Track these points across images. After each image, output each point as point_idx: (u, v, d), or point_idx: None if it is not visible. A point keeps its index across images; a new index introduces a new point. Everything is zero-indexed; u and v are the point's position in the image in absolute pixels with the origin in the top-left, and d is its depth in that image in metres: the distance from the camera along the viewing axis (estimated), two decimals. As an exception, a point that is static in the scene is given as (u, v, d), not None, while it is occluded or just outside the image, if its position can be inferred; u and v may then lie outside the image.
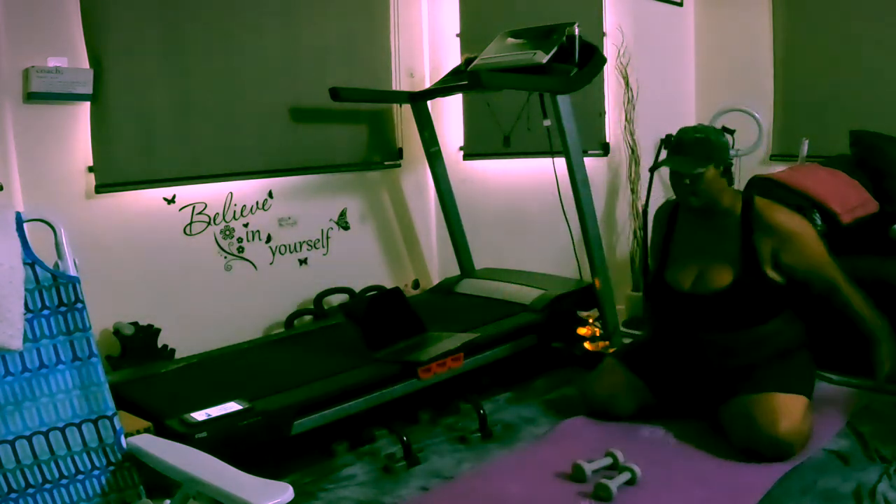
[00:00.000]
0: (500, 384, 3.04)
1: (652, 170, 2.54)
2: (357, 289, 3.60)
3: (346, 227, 3.69)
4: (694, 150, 2.43)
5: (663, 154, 3.94)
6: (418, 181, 3.97)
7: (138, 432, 1.91)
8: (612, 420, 2.58)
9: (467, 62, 3.40)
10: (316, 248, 3.56)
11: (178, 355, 2.95)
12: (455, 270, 3.83)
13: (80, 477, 1.53)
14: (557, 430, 2.58)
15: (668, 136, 3.90)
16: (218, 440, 2.07)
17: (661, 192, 4.01)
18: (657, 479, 2.18)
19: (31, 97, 2.60)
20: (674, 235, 2.64)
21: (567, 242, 3.50)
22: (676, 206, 2.67)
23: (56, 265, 1.59)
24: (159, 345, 2.94)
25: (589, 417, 2.62)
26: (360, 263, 3.73)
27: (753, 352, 2.44)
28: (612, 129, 3.92)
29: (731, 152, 3.76)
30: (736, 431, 2.33)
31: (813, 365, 2.53)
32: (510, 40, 3.25)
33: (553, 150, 3.28)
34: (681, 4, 4.17)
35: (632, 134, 3.89)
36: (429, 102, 3.65)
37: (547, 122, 3.24)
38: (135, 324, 2.86)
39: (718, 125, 3.85)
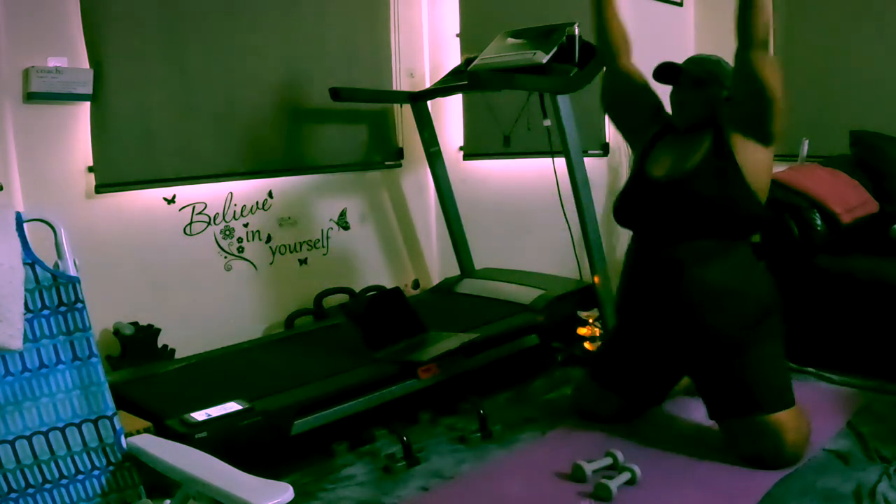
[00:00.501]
0: (500, 384, 3.04)
1: (657, 76, 2.47)
2: (357, 289, 3.60)
3: (346, 227, 3.69)
4: (705, 65, 2.43)
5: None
6: (418, 181, 3.97)
7: (138, 432, 1.91)
8: (603, 421, 2.58)
9: (467, 62, 3.40)
10: (316, 248, 3.56)
11: (178, 355, 2.95)
12: (455, 270, 3.83)
13: (80, 477, 1.53)
14: (557, 430, 2.58)
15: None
16: (218, 440, 2.07)
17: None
18: (657, 479, 2.19)
19: (31, 97, 2.60)
20: (657, 142, 2.54)
21: (567, 242, 3.50)
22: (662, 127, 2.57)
23: (56, 265, 1.59)
24: (159, 345, 2.94)
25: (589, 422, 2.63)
26: (360, 263, 3.73)
27: (723, 309, 2.31)
28: (612, 129, 3.92)
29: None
30: (740, 449, 2.30)
31: (783, 336, 2.43)
32: (510, 40, 3.25)
33: (553, 150, 3.28)
34: (681, 4, 4.17)
35: (632, 134, 3.89)
36: (429, 102, 3.65)
37: (547, 122, 3.24)
38: (135, 324, 2.86)
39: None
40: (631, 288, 2.54)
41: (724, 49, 4.12)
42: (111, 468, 1.56)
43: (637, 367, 2.54)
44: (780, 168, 3.40)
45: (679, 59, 4.24)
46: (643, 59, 3.89)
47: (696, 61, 2.47)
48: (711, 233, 2.35)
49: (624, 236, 4.02)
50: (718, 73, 2.42)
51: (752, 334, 2.34)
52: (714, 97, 2.41)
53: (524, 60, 3.04)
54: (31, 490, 1.47)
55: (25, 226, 1.57)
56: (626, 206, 2.55)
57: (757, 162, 2.35)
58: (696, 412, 2.56)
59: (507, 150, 3.68)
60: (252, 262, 3.32)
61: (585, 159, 3.26)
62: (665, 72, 2.48)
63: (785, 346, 2.43)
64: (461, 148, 4.01)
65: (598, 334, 3.22)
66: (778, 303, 2.45)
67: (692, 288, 2.34)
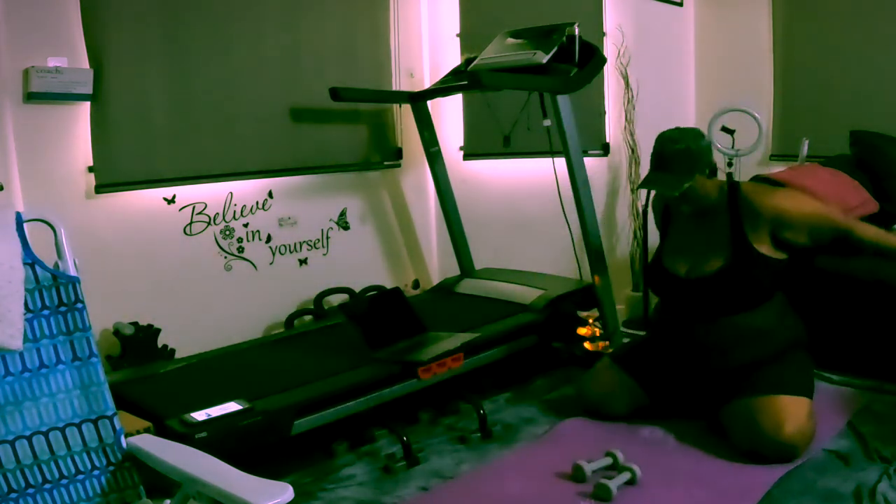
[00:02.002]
0: (500, 384, 3.04)
1: (639, 187, 2.55)
2: (357, 289, 3.60)
3: (346, 227, 3.69)
4: (675, 164, 2.41)
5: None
6: (418, 181, 3.97)
7: (138, 432, 1.91)
8: (606, 420, 2.58)
9: (467, 62, 3.40)
10: (316, 248, 3.56)
11: (178, 355, 2.95)
12: (455, 270, 3.83)
13: (80, 477, 1.53)
14: (557, 430, 2.58)
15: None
16: (218, 440, 2.07)
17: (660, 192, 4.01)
18: (657, 479, 2.18)
19: (31, 97, 2.60)
20: (669, 227, 2.67)
21: (567, 242, 3.50)
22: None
23: (56, 265, 1.59)
24: (159, 345, 2.94)
25: (586, 417, 2.62)
26: (360, 263, 3.73)
27: (751, 347, 2.43)
28: (612, 129, 3.92)
29: (731, 152, 3.79)
30: (739, 434, 2.32)
31: (812, 365, 2.53)
32: (510, 40, 3.25)
33: (553, 150, 3.28)
34: (681, 4, 4.17)
35: (632, 134, 3.89)
36: (429, 102, 3.65)
37: (547, 122, 3.24)
38: (135, 324, 2.86)
39: (718, 125, 3.86)
40: (657, 360, 2.60)
41: (724, 48, 4.13)
42: (111, 468, 1.56)
43: (663, 370, 2.57)
44: (780, 168, 3.41)
45: (679, 58, 4.26)
46: (643, 60, 3.91)
47: (667, 161, 2.43)
48: (743, 308, 2.44)
49: (624, 236, 4.03)
50: (692, 165, 2.41)
51: (775, 360, 2.41)
52: (698, 188, 2.43)
53: (524, 60, 3.04)
54: (31, 490, 1.48)
55: (25, 226, 1.57)
56: (657, 293, 2.68)
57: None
58: (697, 413, 2.56)
59: (507, 150, 3.68)
60: (252, 262, 3.32)
61: (585, 159, 3.26)
62: (646, 185, 2.51)
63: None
64: (461, 148, 4.00)
65: (598, 334, 3.22)
66: (804, 340, 2.53)
67: (715, 357, 2.45)
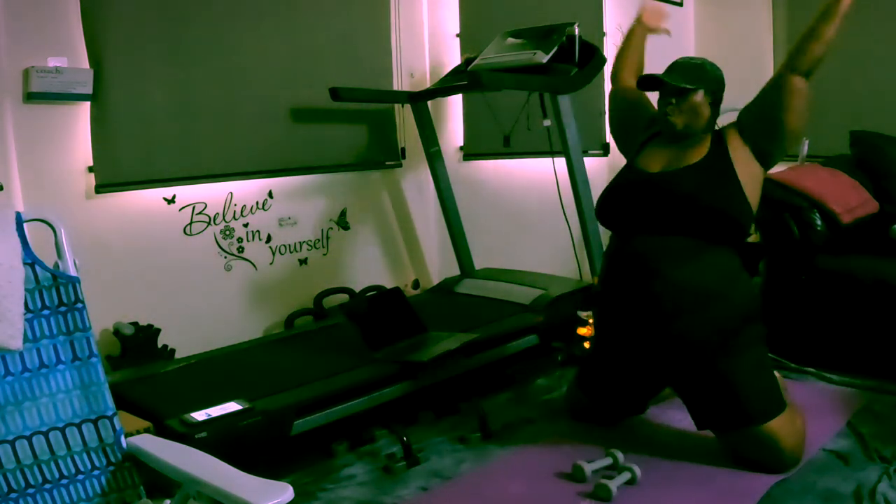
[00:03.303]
0: (500, 384, 3.04)
1: (639, 85, 2.49)
2: (357, 289, 3.60)
3: (346, 227, 3.69)
4: (686, 72, 2.38)
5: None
6: (418, 181, 3.97)
7: (138, 432, 1.91)
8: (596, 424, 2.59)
9: (467, 62, 3.40)
10: (316, 248, 3.56)
11: (178, 355, 2.95)
12: (455, 270, 3.83)
13: (80, 477, 1.53)
14: (557, 430, 2.58)
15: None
16: (218, 440, 2.07)
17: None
18: (657, 479, 2.19)
19: (31, 97, 2.60)
20: (646, 145, 2.53)
21: (567, 242, 3.50)
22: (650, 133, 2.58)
23: (56, 265, 1.59)
24: (159, 345, 2.94)
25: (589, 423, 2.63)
26: (360, 263, 3.73)
27: (703, 307, 2.25)
28: (612, 129, 3.92)
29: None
30: (741, 457, 2.27)
31: (767, 352, 2.39)
32: (510, 40, 3.25)
33: (553, 150, 3.28)
34: (681, 4, 4.18)
35: (632, 134, 3.89)
36: (429, 102, 3.65)
37: (547, 122, 3.24)
38: (135, 324, 2.86)
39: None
40: (605, 291, 2.48)
41: (724, 48, 4.14)
42: (111, 468, 1.56)
43: (617, 376, 2.50)
44: (780, 168, 3.41)
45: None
46: (644, 59, 3.90)
47: (679, 67, 2.41)
48: (694, 232, 2.28)
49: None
50: (701, 77, 2.37)
51: (731, 341, 2.26)
52: (697, 105, 2.35)
53: (524, 60, 3.04)
54: (31, 490, 1.47)
55: (25, 226, 1.57)
56: (610, 202, 2.47)
57: (752, 175, 2.35)
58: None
59: (507, 150, 3.68)
60: (252, 262, 3.32)
61: (585, 159, 3.26)
62: (648, 82, 2.46)
63: (769, 350, 2.40)
64: (461, 148, 4.01)
65: (597, 334, 3.22)
66: (759, 310, 2.37)
67: (664, 289, 2.26)
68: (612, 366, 2.50)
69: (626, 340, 2.42)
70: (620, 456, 2.24)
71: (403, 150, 3.85)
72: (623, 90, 2.74)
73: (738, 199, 2.30)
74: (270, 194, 3.36)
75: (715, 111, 2.41)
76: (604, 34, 3.83)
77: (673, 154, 2.43)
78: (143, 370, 2.65)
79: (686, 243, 2.29)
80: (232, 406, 2.23)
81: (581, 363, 2.76)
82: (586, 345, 3.22)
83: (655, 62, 4.02)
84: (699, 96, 2.35)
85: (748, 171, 2.34)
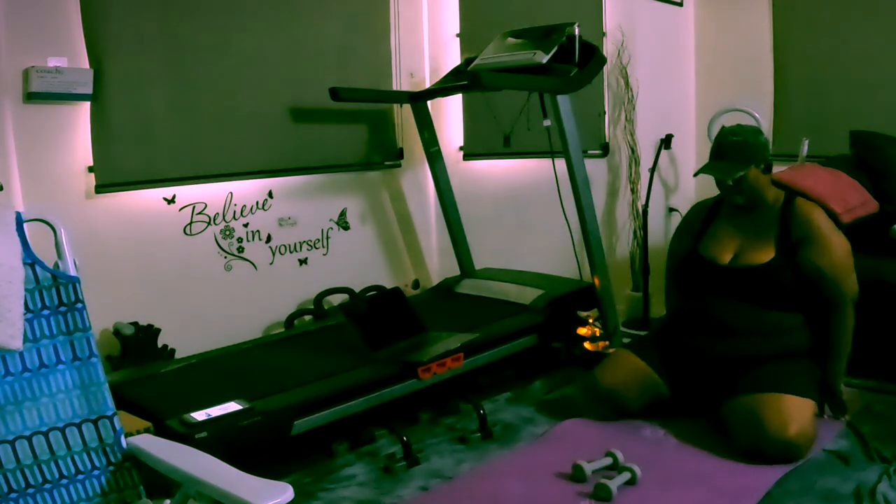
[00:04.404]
0: (500, 384, 3.04)
1: (697, 173, 2.67)
2: (357, 289, 3.60)
3: (346, 227, 3.68)
4: (733, 154, 2.50)
5: (663, 154, 3.95)
6: (418, 181, 3.97)
7: (138, 432, 1.91)
8: (616, 413, 2.58)
9: (467, 62, 3.40)
10: (316, 248, 3.56)
11: (178, 355, 2.95)
12: (455, 270, 3.83)
13: (80, 477, 1.53)
14: (557, 430, 2.58)
15: (668, 136, 3.90)
16: (218, 440, 2.07)
17: (660, 192, 4.02)
18: (657, 479, 2.19)
19: (31, 97, 2.60)
20: (713, 222, 2.69)
21: (567, 242, 3.50)
22: (716, 203, 2.74)
23: (56, 265, 1.59)
24: (159, 345, 2.94)
25: (589, 415, 2.62)
26: (360, 263, 3.73)
27: (766, 339, 2.47)
28: (612, 129, 3.92)
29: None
30: (740, 431, 2.32)
31: (818, 372, 2.53)
32: (510, 40, 3.25)
33: (553, 150, 3.28)
34: (681, 4, 4.18)
35: (632, 134, 3.89)
36: (429, 102, 3.65)
37: (547, 122, 3.24)
38: (135, 324, 2.86)
39: (718, 125, 3.86)
40: (673, 348, 2.64)
41: (724, 48, 4.13)
42: (111, 468, 1.56)
43: (677, 355, 2.59)
44: (780, 168, 3.41)
45: (679, 58, 4.26)
46: (644, 59, 3.91)
47: (726, 151, 2.52)
48: (773, 307, 2.49)
49: (624, 236, 4.03)
50: (747, 154, 2.49)
51: (782, 356, 2.46)
52: (753, 181, 2.51)
53: (524, 60, 3.04)
54: (31, 490, 1.48)
55: (25, 226, 1.57)
56: (683, 286, 2.71)
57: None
58: (700, 411, 2.56)
59: (507, 150, 3.67)
60: (252, 262, 3.32)
61: (585, 159, 3.26)
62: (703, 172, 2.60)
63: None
64: (461, 148, 4.00)
65: (598, 334, 3.22)
66: (808, 350, 2.54)
67: (727, 343, 2.50)
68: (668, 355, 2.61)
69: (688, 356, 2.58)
70: (620, 456, 2.24)
71: (402, 150, 3.85)
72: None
73: (804, 284, 2.48)
74: (270, 194, 3.36)
75: (769, 174, 2.58)
76: (604, 34, 3.83)
77: (740, 233, 2.58)
78: (143, 370, 2.65)
79: (759, 313, 2.50)
80: (232, 406, 2.23)
81: (646, 338, 2.87)
82: (587, 345, 3.23)
83: (655, 61, 4.03)
84: (752, 173, 2.50)
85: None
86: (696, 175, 2.68)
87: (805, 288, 2.50)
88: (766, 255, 2.51)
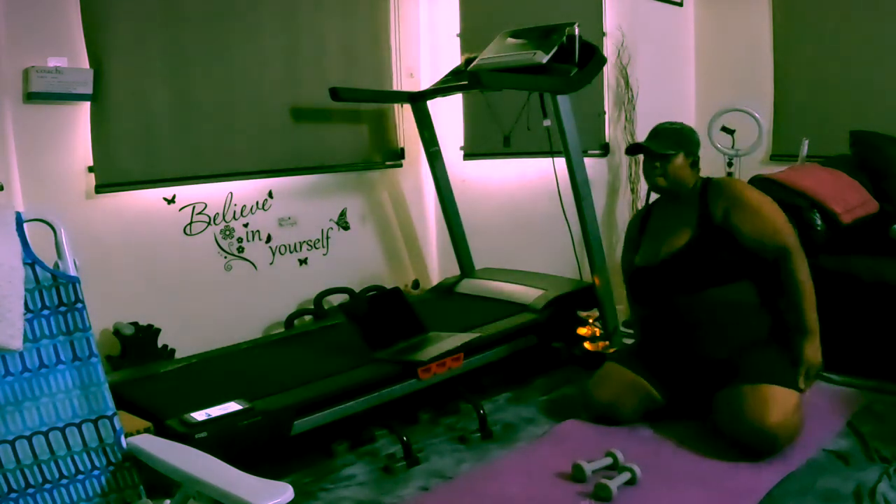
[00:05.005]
0: (500, 384, 3.04)
1: (627, 152, 2.80)
2: (357, 289, 3.60)
3: (346, 227, 3.69)
4: (666, 137, 2.62)
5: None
6: (418, 181, 3.97)
7: (138, 432, 1.91)
8: (614, 425, 2.57)
9: (467, 62, 3.40)
10: (316, 248, 3.56)
11: (178, 355, 2.95)
12: (455, 270, 3.83)
13: (80, 477, 1.53)
14: (557, 430, 2.58)
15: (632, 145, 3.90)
16: (218, 440, 2.07)
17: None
18: (657, 479, 2.19)
19: (31, 97, 2.60)
20: (645, 231, 2.76)
21: (567, 242, 3.50)
22: (648, 209, 2.82)
23: (56, 265, 1.59)
24: (159, 345, 2.94)
25: (593, 423, 2.61)
26: (360, 263, 3.73)
27: (736, 328, 2.48)
28: (612, 129, 3.92)
29: (731, 151, 3.80)
30: (724, 419, 2.36)
31: (782, 356, 2.50)
32: (510, 40, 3.25)
33: (553, 150, 3.28)
34: (681, 4, 4.17)
35: (632, 134, 3.89)
36: (429, 102, 3.65)
37: (547, 122, 3.24)
38: (135, 324, 2.86)
39: (718, 125, 3.87)
40: (649, 341, 2.70)
41: (724, 48, 4.13)
42: (111, 468, 1.56)
43: (665, 363, 2.60)
44: (780, 168, 3.41)
45: (679, 58, 4.26)
46: (644, 60, 3.91)
47: (660, 133, 2.66)
48: (713, 283, 2.51)
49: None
50: (680, 141, 2.61)
51: (765, 345, 2.46)
52: (678, 167, 2.58)
53: (524, 60, 3.04)
54: (31, 490, 1.47)
55: (25, 226, 1.57)
56: (636, 298, 2.79)
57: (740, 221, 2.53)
58: (697, 413, 2.56)
59: (507, 150, 3.67)
60: (252, 262, 3.32)
61: (585, 159, 3.26)
62: (634, 149, 2.72)
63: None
64: (461, 148, 4.01)
65: (598, 334, 3.22)
66: (768, 334, 2.53)
67: (701, 344, 2.51)
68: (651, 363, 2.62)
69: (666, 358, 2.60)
70: (620, 456, 2.24)
71: (402, 150, 3.85)
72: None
73: (728, 246, 2.50)
74: (270, 194, 3.36)
75: (696, 169, 2.65)
76: (604, 34, 3.83)
77: (667, 232, 2.64)
78: (143, 370, 2.65)
79: (711, 295, 2.51)
80: (232, 406, 2.23)
81: (622, 350, 2.90)
82: (587, 345, 3.23)
83: (655, 61, 4.03)
84: (679, 159, 2.59)
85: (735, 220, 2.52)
86: (627, 151, 2.79)
87: (737, 256, 2.49)
88: (683, 239, 2.56)
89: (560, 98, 3.01)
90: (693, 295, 2.51)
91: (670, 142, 2.60)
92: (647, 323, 2.71)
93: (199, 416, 2.16)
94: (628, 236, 2.90)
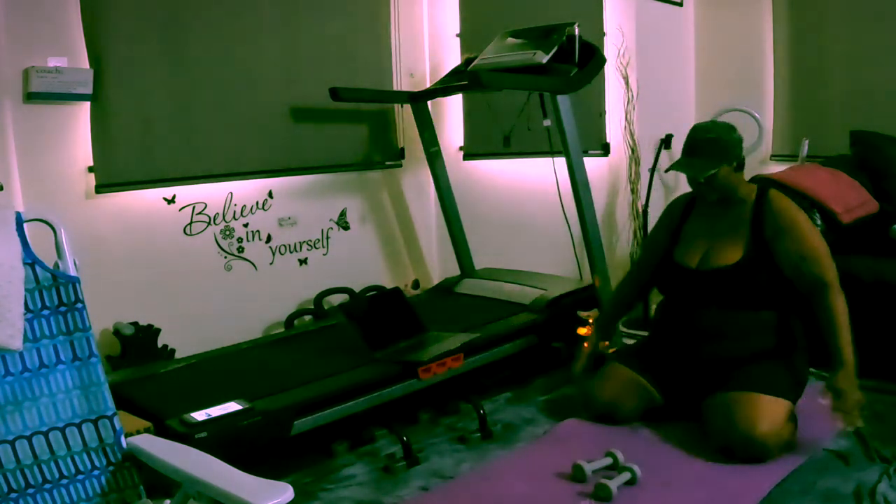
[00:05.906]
0: (500, 384, 3.04)
1: (668, 169, 2.65)
2: (357, 289, 3.60)
3: (346, 227, 3.69)
4: (706, 151, 2.48)
5: (664, 154, 3.95)
6: (418, 181, 3.97)
7: (138, 432, 1.91)
8: (615, 424, 2.57)
9: (467, 62, 3.40)
10: (316, 248, 3.56)
11: (178, 355, 2.95)
12: (455, 270, 3.83)
13: (80, 477, 1.53)
14: (557, 430, 2.58)
15: (668, 136, 3.90)
16: (218, 440, 2.07)
17: (661, 192, 4.01)
18: (657, 479, 2.18)
19: (31, 97, 2.60)
20: (687, 221, 2.68)
21: (567, 242, 3.50)
22: (693, 198, 2.71)
23: (56, 265, 1.59)
24: (159, 345, 2.94)
25: (594, 422, 2.61)
26: (360, 263, 3.73)
27: (744, 340, 2.45)
28: (612, 129, 3.92)
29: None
30: (714, 427, 2.34)
31: (806, 370, 2.51)
32: (510, 40, 3.25)
33: (553, 150, 3.28)
34: (681, 4, 4.17)
35: (632, 134, 3.89)
36: (429, 102, 3.65)
37: (547, 122, 3.24)
38: (135, 324, 2.86)
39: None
40: (662, 355, 2.63)
41: (724, 48, 4.12)
42: (111, 468, 1.56)
43: (666, 363, 2.58)
44: (780, 168, 3.41)
45: (679, 58, 4.25)
46: (643, 60, 3.90)
47: (697, 149, 2.50)
48: (748, 307, 2.47)
49: (624, 236, 4.03)
50: (719, 152, 2.47)
51: (767, 356, 2.44)
52: (724, 178, 2.49)
53: (524, 60, 3.04)
54: (31, 490, 1.47)
55: (25, 226, 1.57)
56: (662, 284, 2.70)
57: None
58: (697, 415, 2.56)
59: (507, 150, 3.68)
60: (252, 262, 3.32)
61: (585, 159, 3.26)
62: (675, 169, 2.58)
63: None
64: (461, 148, 4.01)
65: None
66: (798, 347, 2.51)
67: (710, 345, 2.48)
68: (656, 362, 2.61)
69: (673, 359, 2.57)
70: (620, 456, 2.24)
71: (402, 150, 3.85)
72: (640, 278, 2.88)
73: (778, 280, 2.45)
74: (270, 194, 3.36)
75: (741, 171, 2.54)
76: (604, 34, 3.83)
77: (709, 233, 2.56)
78: (143, 370, 2.65)
79: (737, 315, 2.47)
80: (232, 406, 2.23)
81: (626, 350, 2.87)
82: (586, 345, 3.22)
83: (655, 61, 4.03)
84: (724, 171, 2.48)
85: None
86: (667, 171, 2.68)
87: (777, 286, 2.47)
88: (734, 255, 2.48)
89: (560, 98, 3.01)
90: (726, 311, 2.48)
91: (711, 156, 2.47)
92: (661, 322, 2.68)
93: (199, 416, 2.16)
94: (666, 220, 2.78)
